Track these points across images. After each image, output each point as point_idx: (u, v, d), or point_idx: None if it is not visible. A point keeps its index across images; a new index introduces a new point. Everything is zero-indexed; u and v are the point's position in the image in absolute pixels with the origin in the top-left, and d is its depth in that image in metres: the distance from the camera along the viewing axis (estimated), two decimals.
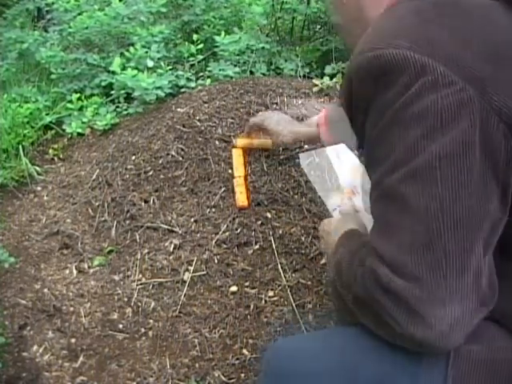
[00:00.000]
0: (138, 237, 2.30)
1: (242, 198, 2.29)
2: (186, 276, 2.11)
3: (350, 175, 2.02)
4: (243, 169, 2.39)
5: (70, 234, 2.41)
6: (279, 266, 2.12)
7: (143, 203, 2.40)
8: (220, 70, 3.17)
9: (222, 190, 2.37)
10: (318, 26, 3.75)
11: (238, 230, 2.22)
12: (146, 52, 3.22)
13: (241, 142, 2.49)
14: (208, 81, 3.13)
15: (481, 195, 0.96)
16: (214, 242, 2.21)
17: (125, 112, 3.16)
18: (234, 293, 2.05)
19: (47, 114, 3.20)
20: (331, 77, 2.92)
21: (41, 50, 3.51)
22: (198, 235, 2.24)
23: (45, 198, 2.71)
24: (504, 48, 1.04)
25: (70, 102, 3.21)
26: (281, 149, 2.50)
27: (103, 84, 3.35)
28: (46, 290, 2.18)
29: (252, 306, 2.00)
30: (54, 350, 1.95)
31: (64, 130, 3.13)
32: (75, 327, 2.02)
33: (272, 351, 1.18)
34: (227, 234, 2.22)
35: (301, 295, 2.03)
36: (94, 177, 2.65)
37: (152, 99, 3.04)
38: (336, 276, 1.17)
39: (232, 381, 1.80)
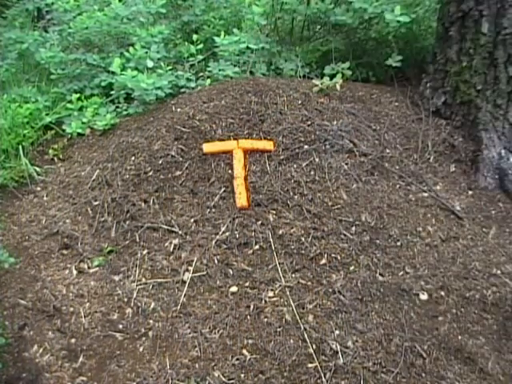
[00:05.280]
0: (137, 237, 2.30)
1: (241, 199, 2.29)
2: (186, 276, 2.11)
3: None
4: (243, 169, 2.40)
5: (69, 234, 2.41)
6: (279, 266, 2.12)
7: (143, 203, 2.40)
8: (220, 70, 3.17)
9: (222, 190, 2.37)
10: (318, 27, 3.75)
11: (238, 231, 2.22)
12: (146, 52, 3.23)
13: (241, 142, 2.49)
14: (208, 81, 3.14)
15: None
16: (214, 242, 2.20)
17: (125, 112, 3.16)
18: (233, 293, 2.05)
19: (47, 114, 3.20)
20: (331, 77, 2.92)
21: (40, 51, 3.51)
22: (198, 235, 2.24)
23: (45, 198, 2.71)
24: None
25: (70, 102, 3.21)
26: (281, 149, 2.50)
27: (103, 84, 3.35)
28: (45, 291, 2.18)
29: (252, 306, 2.00)
30: (53, 350, 1.95)
31: (64, 130, 3.13)
32: (75, 327, 2.02)
33: None
34: (227, 234, 2.22)
35: (301, 295, 2.03)
36: (94, 177, 2.65)
37: (152, 99, 3.04)
38: None
39: (232, 381, 1.79)
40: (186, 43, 3.49)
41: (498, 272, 2.18)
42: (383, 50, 3.39)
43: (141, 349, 1.92)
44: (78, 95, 3.21)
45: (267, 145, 2.49)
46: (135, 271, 2.18)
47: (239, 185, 2.33)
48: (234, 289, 2.06)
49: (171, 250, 2.21)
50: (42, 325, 2.05)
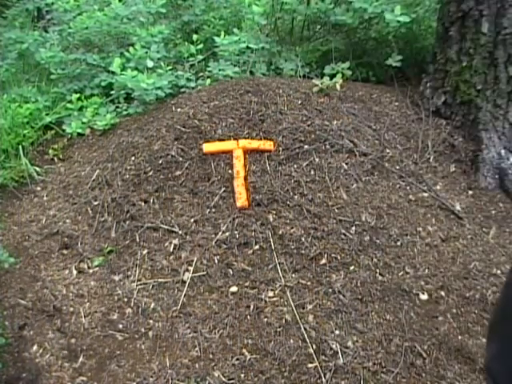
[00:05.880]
0: (137, 237, 2.30)
1: (241, 199, 2.29)
2: (186, 276, 2.11)
3: None
4: (243, 169, 2.40)
5: (69, 234, 2.41)
6: (279, 266, 2.12)
7: (143, 203, 2.40)
8: (220, 70, 3.17)
9: (222, 190, 2.37)
10: (318, 26, 3.75)
11: (238, 231, 2.22)
12: (146, 52, 3.23)
13: (241, 142, 2.49)
14: (208, 81, 3.14)
15: None
16: (214, 242, 2.20)
17: (125, 112, 3.16)
18: (233, 293, 2.05)
19: (47, 114, 3.20)
20: (331, 77, 2.92)
21: (40, 51, 3.52)
22: (198, 235, 2.24)
23: (45, 198, 2.71)
24: None
25: (70, 102, 3.21)
26: (281, 149, 2.50)
27: (103, 84, 3.35)
28: (45, 291, 2.18)
29: (252, 306, 2.00)
30: (53, 350, 1.95)
31: (64, 130, 3.13)
32: (75, 327, 2.02)
33: None
34: (227, 234, 2.22)
35: (301, 295, 2.03)
36: (94, 177, 2.65)
37: (152, 99, 3.04)
38: None
39: (232, 381, 1.79)
40: (186, 43, 3.50)
41: (498, 272, 2.18)
42: (383, 49, 3.39)
43: (141, 349, 1.92)
44: (78, 95, 3.21)
45: (267, 145, 2.49)
46: (135, 271, 2.18)
47: (239, 185, 2.33)
48: (234, 289, 2.06)
49: (171, 250, 2.21)
50: (42, 325, 2.05)
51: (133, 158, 2.61)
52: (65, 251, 2.35)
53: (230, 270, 2.12)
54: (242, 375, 1.80)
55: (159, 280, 2.13)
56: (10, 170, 2.84)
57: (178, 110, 2.79)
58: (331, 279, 2.08)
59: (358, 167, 2.49)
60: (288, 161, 2.47)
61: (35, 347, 1.97)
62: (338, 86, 2.88)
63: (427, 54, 3.19)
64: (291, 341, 1.89)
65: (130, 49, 3.21)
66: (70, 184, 2.73)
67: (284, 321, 1.95)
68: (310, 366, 1.83)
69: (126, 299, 2.09)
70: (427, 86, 2.98)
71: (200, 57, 3.39)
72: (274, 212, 2.28)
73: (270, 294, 2.04)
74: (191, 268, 2.13)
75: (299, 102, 2.75)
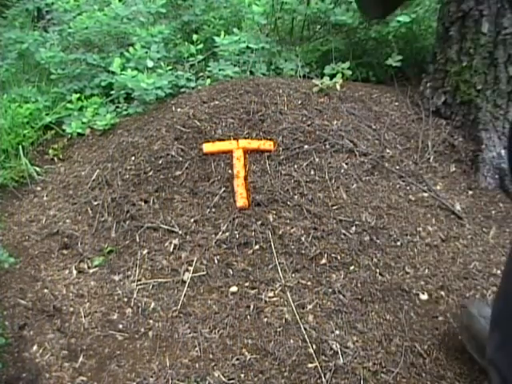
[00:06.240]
0: (137, 237, 2.30)
1: (241, 199, 2.29)
2: (186, 276, 2.11)
3: None
4: (243, 169, 2.40)
5: (69, 234, 2.41)
6: (279, 266, 2.12)
7: (143, 203, 2.40)
8: (220, 69, 3.17)
9: (222, 190, 2.37)
10: (318, 26, 3.75)
11: (238, 231, 2.22)
12: (146, 52, 3.23)
13: (241, 142, 2.49)
14: (208, 81, 3.14)
15: None
16: (213, 242, 2.20)
17: (125, 112, 3.16)
18: (234, 293, 2.05)
19: (47, 114, 3.20)
20: (331, 77, 2.92)
21: (40, 51, 3.52)
22: (198, 235, 2.24)
23: (45, 198, 2.71)
24: None
25: (70, 102, 3.21)
26: (281, 149, 2.50)
27: (103, 84, 3.35)
28: (45, 291, 2.18)
29: (252, 306, 2.00)
30: (53, 350, 1.95)
31: (64, 130, 3.13)
32: (75, 327, 2.02)
33: None
34: (227, 234, 2.22)
35: (301, 295, 2.03)
36: (94, 177, 2.65)
37: (152, 99, 3.04)
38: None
39: (232, 381, 1.79)
40: (186, 43, 3.50)
41: (498, 272, 2.18)
42: (383, 49, 3.39)
43: (141, 349, 1.92)
44: (78, 95, 3.21)
45: (267, 145, 2.49)
46: (135, 271, 2.18)
47: (239, 185, 2.33)
48: (234, 289, 2.06)
49: (171, 250, 2.21)
50: (42, 325, 2.05)
51: (133, 158, 2.61)
52: (65, 251, 2.35)
53: (230, 270, 2.12)
54: (242, 375, 1.80)
55: (159, 280, 2.13)
56: (9, 170, 2.84)
57: (178, 110, 2.79)
58: (331, 279, 2.08)
59: (357, 167, 2.49)
60: (288, 161, 2.47)
61: (35, 347, 1.97)
62: (337, 86, 2.88)
63: (427, 54, 3.18)
64: (291, 341, 1.89)
65: (130, 49, 3.21)
66: (70, 184, 2.73)
67: (284, 321, 1.95)
68: (310, 365, 1.83)
69: (125, 299, 2.09)
70: (427, 85, 2.98)
71: (200, 57, 3.39)
72: (274, 212, 2.28)
73: (270, 294, 2.04)
74: (191, 268, 2.13)
75: (299, 101, 2.75)
